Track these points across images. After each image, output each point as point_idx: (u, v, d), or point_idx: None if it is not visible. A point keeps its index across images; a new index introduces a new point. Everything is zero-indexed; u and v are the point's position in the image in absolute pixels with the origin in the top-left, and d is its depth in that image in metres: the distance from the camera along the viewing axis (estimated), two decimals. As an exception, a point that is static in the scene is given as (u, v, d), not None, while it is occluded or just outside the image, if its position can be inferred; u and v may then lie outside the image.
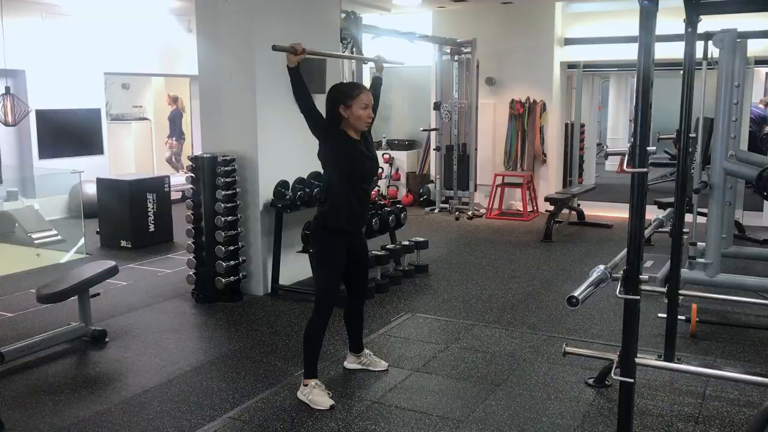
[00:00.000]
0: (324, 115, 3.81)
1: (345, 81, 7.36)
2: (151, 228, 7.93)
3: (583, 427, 3.54)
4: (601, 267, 2.71)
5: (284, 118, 6.03)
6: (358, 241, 4.02)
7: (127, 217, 7.77)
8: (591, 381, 4.06)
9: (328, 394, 3.81)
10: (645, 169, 2.66)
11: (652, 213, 4.41)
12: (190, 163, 5.82)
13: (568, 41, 10.04)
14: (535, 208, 9.99)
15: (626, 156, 2.67)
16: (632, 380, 2.76)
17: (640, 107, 2.61)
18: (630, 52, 9.22)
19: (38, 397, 3.98)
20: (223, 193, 5.65)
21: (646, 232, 3.66)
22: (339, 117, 3.76)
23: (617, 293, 2.72)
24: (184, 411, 3.77)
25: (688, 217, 5.83)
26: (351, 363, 4.28)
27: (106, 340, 4.86)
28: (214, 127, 6.04)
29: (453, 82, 9.96)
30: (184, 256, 7.35)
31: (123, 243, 7.77)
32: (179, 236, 8.13)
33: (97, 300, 5.56)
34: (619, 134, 16.04)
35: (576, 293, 2.46)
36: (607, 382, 4.01)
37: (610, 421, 3.57)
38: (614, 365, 2.80)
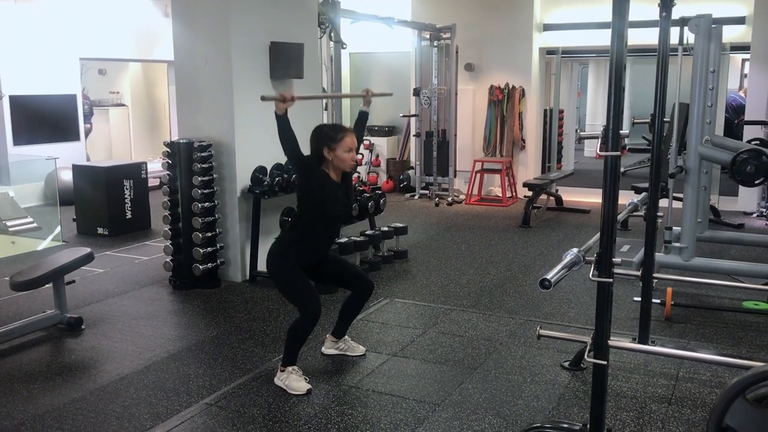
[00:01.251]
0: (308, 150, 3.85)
1: (324, 66, 7.36)
2: (129, 215, 7.86)
3: (558, 409, 3.57)
4: (575, 250, 2.72)
5: (262, 103, 5.98)
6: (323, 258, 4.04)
7: (103, 204, 7.69)
8: (566, 364, 4.09)
9: (305, 379, 3.81)
10: (618, 153, 2.67)
11: (629, 198, 4.44)
12: (166, 149, 5.77)
13: (547, 27, 10.05)
14: (514, 194, 10.02)
15: (599, 140, 2.67)
16: (605, 362, 2.78)
17: (612, 91, 2.62)
18: (609, 38, 9.29)
19: (12, 385, 3.94)
20: (199, 179, 5.61)
21: (621, 216, 3.69)
22: (322, 158, 3.80)
23: (590, 276, 2.74)
24: (161, 397, 3.75)
25: (664, 203, 5.92)
26: (329, 348, 4.28)
27: (82, 327, 4.82)
28: (190, 113, 5.99)
29: (432, 68, 9.94)
30: (161, 242, 7.28)
31: (100, 230, 7.70)
32: (157, 223, 8.08)
33: (74, 287, 5.53)
34: (597, 120, 16.09)
35: (548, 276, 2.47)
36: (582, 365, 4.04)
37: (585, 403, 3.61)
38: (587, 348, 2.82)
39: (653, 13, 3.72)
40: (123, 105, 12.88)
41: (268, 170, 5.92)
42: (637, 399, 3.68)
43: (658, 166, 3.63)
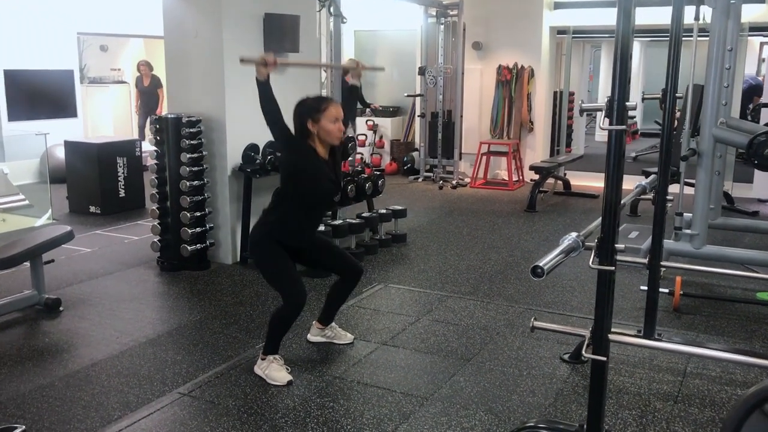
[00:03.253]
0: (292, 130, 3.56)
1: (319, 39, 7.06)
2: (122, 193, 7.64)
3: (555, 405, 3.33)
4: (573, 235, 2.46)
5: (254, 78, 5.72)
6: (307, 241, 3.76)
7: (96, 182, 7.47)
8: (566, 356, 3.85)
9: (286, 369, 3.58)
10: (623, 127, 2.40)
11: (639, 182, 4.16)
12: (154, 125, 5.52)
13: (558, 4, 9.70)
14: (521, 177, 9.73)
15: (603, 112, 2.41)
16: (605, 358, 2.53)
17: (618, 60, 2.34)
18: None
19: (-21, 369, 3.74)
20: (188, 156, 5.37)
21: (627, 199, 3.41)
22: (308, 132, 3.52)
23: (590, 264, 2.48)
24: (133, 386, 3.54)
25: (675, 188, 5.63)
26: (315, 336, 4.05)
27: (61, 309, 4.60)
28: (180, 88, 5.74)
29: (438, 47, 9.63)
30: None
31: (92, 208, 7.49)
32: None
33: (57, 267, 5.34)
34: (610, 104, 15.71)
35: (541, 262, 2.21)
36: (583, 358, 3.78)
37: (584, 399, 3.34)
38: (586, 342, 2.56)
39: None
40: (124, 82, 12.63)
41: (261, 148, 5.67)
42: (640, 396, 3.43)
43: (669, 146, 3.35)
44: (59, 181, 8.18)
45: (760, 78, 12.23)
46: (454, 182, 9.45)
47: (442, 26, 9.58)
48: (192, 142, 5.39)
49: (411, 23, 10.30)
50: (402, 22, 10.63)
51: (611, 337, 2.55)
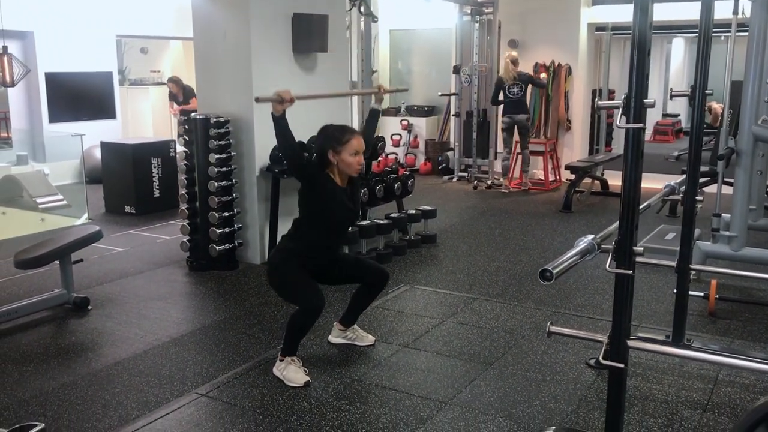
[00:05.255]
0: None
1: (349, 38, 7.03)
2: (156, 193, 7.73)
3: (577, 412, 3.23)
4: (590, 237, 2.37)
5: (282, 77, 5.73)
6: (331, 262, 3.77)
7: (131, 182, 7.58)
8: (592, 362, 3.73)
9: (304, 370, 3.55)
10: (641, 125, 2.30)
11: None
12: (184, 126, 5.56)
13: (596, 1, 9.50)
14: (557, 177, 9.56)
15: (620, 109, 2.31)
16: (623, 365, 2.43)
17: (636, 55, 2.25)
18: (664, 13, 8.73)
19: (5, 366, 3.79)
20: (216, 156, 5.39)
21: (654, 200, 3.30)
22: (327, 161, 3.53)
23: (607, 267, 2.39)
24: (153, 385, 3.55)
25: (713, 189, 5.44)
26: (336, 337, 4.01)
27: (89, 308, 4.66)
28: (209, 88, 5.77)
29: (473, 45, 9.52)
30: (186, 222, 7.17)
31: (127, 208, 7.60)
32: (185, 202, 7.95)
33: (88, 266, 5.43)
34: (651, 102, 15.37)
35: (551, 266, 2.13)
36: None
37: (608, 407, 3.26)
38: (603, 348, 2.46)
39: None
40: (164, 83, 12.79)
41: (289, 148, 5.65)
42: (668, 404, 3.30)
43: (698, 144, 3.22)
44: (96, 182, 8.33)
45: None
46: (488, 182, 9.33)
47: (476, 24, 9.47)
48: (220, 142, 5.41)
49: (446, 22, 10.22)
50: (437, 21, 10.56)
51: (631, 343, 2.44)
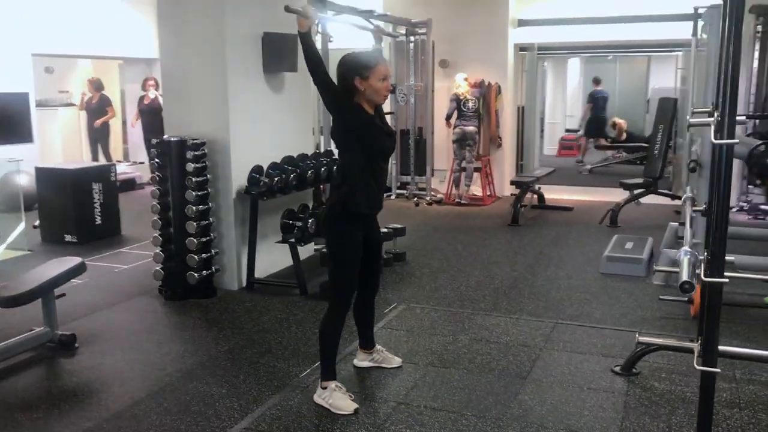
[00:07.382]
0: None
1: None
2: (98, 220, 7.29)
3: (628, 419, 3.33)
4: (687, 248, 2.49)
5: (258, 98, 5.62)
6: (373, 227, 3.70)
7: (71, 210, 7.11)
8: (618, 369, 3.87)
9: (350, 396, 3.47)
10: (735, 141, 2.44)
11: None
12: (155, 149, 5.31)
13: (521, 22, 9.90)
14: (492, 192, 9.83)
15: (713, 126, 2.44)
16: (716, 370, 2.56)
17: (729, 74, 2.38)
18: (580, 34, 9.26)
19: (11, 414, 3.46)
20: (194, 180, 5.17)
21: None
22: (353, 89, 3.39)
23: (702, 277, 2.50)
24: (189, 423, 3.35)
25: (650, 199, 5.78)
26: (362, 361, 3.94)
27: (76, 345, 4.33)
28: (179, 110, 5.54)
29: (409, 65, 9.66)
30: (137, 249, 6.84)
31: (67, 237, 7.12)
32: (127, 228, 7.58)
33: (57, 301, 5.02)
34: (556, 119, 16.16)
35: (686, 277, 2.22)
36: (635, 370, 3.84)
37: (654, 411, 3.40)
38: (696, 354, 2.58)
39: None
40: (73, 105, 12.14)
41: (265, 170, 5.52)
42: (703, 404, 3.47)
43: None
44: (18, 210, 7.71)
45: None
46: (428, 199, 9.47)
47: (411, 44, 9.62)
48: (197, 165, 5.20)
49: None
50: (371, 41, 10.60)
51: (723, 349, 2.57)
